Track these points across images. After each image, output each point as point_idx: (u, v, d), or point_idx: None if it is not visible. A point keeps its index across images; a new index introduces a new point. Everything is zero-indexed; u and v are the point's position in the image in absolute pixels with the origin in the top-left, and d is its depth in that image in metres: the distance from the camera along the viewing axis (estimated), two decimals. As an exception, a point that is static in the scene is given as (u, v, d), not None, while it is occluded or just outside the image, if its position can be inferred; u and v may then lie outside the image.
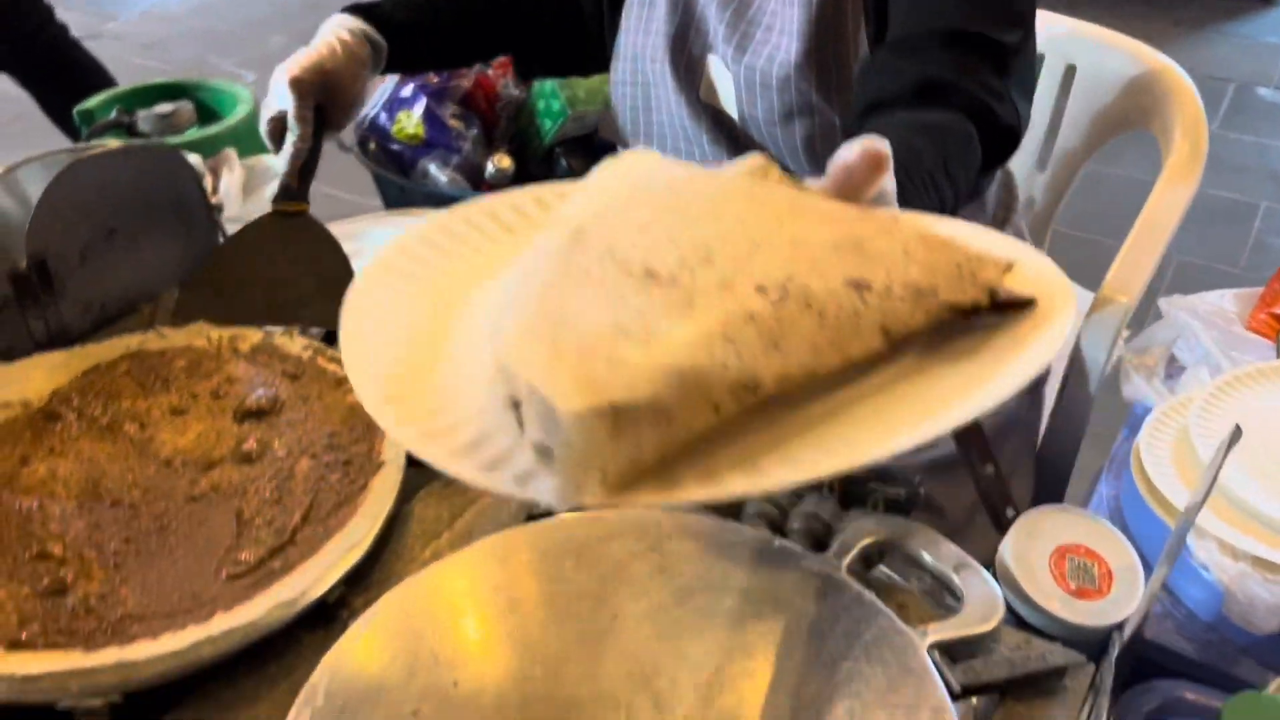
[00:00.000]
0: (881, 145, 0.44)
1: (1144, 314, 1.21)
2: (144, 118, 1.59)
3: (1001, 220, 1.06)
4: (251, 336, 0.93)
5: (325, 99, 0.97)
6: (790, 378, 0.37)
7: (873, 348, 0.39)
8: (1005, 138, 0.82)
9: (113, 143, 1.48)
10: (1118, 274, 1.09)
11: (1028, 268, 0.43)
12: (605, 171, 0.48)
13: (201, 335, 0.93)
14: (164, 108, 1.60)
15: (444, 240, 0.49)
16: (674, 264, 0.38)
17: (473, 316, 0.44)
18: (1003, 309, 0.42)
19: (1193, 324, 1.17)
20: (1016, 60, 0.84)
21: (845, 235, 0.40)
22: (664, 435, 0.34)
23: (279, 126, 0.97)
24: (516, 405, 0.37)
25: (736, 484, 0.34)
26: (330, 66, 0.96)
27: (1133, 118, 1.25)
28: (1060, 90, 1.30)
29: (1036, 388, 1.07)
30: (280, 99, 0.96)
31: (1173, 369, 1.17)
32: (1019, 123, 0.84)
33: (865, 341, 0.39)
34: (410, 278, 0.47)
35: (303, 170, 0.97)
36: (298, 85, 0.95)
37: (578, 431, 0.33)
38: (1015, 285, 0.42)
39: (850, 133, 0.63)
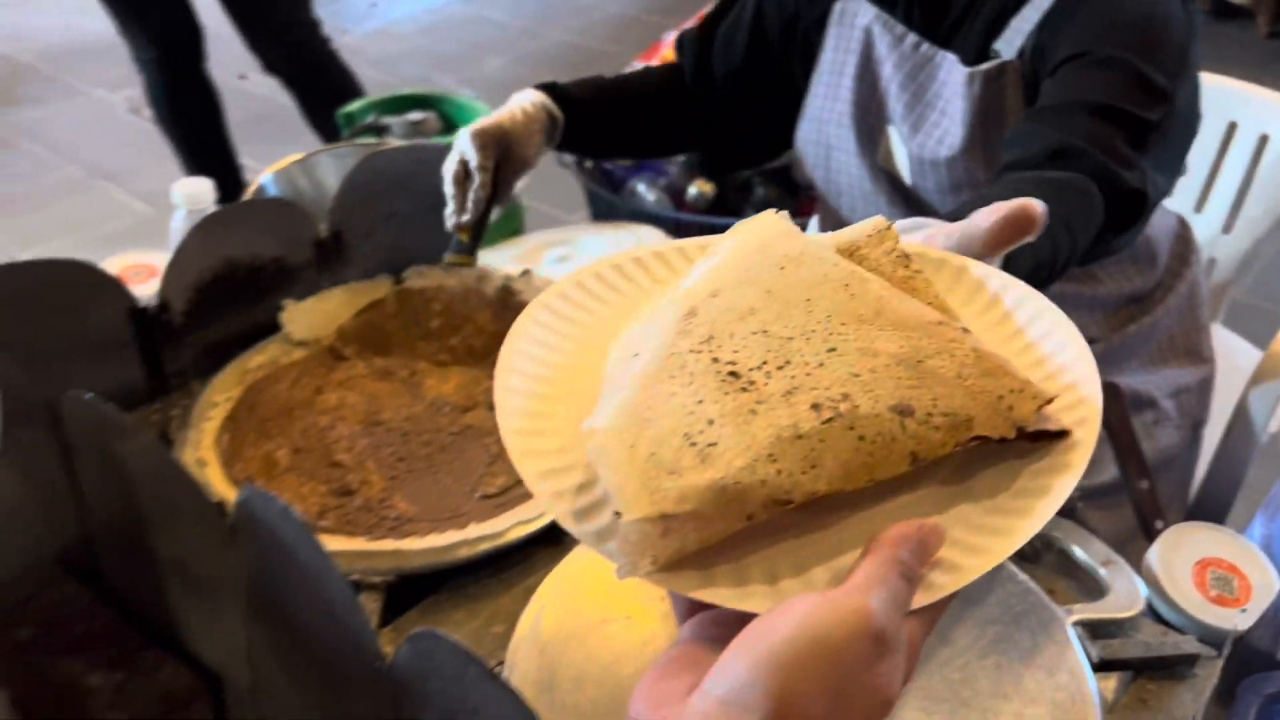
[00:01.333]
0: (1035, 206, 0.51)
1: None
2: (396, 123, 1.81)
3: (1175, 273, 1.13)
4: (494, 279, 1.10)
5: (501, 158, 1.09)
6: (818, 493, 0.42)
7: (898, 471, 0.43)
8: (1131, 201, 0.87)
9: (368, 141, 1.69)
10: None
11: (1077, 389, 0.47)
12: (736, 236, 0.55)
13: (454, 275, 1.11)
14: (414, 115, 1.81)
15: (598, 286, 0.55)
16: (755, 363, 0.45)
17: (604, 366, 0.50)
18: (1034, 438, 0.45)
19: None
20: (1154, 135, 0.89)
21: (910, 349, 0.46)
22: (704, 535, 0.42)
23: (463, 170, 1.08)
24: None
25: (756, 601, 0.41)
26: (509, 128, 1.08)
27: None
28: (1251, 161, 1.36)
29: (1196, 428, 1.14)
30: (464, 150, 1.08)
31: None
32: (1146, 187, 0.88)
33: (893, 466, 0.43)
34: (565, 319, 0.53)
35: (476, 228, 1.09)
36: (479, 137, 1.06)
37: (635, 530, 0.42)
38: (1055, 412, 0.46)
39: (984, 194, 0.73)
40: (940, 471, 0.45)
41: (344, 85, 2.32)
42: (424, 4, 4.55)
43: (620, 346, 0.50)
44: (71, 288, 0.95)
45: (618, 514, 0.42)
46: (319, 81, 2.32)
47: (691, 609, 0.44)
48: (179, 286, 1.00)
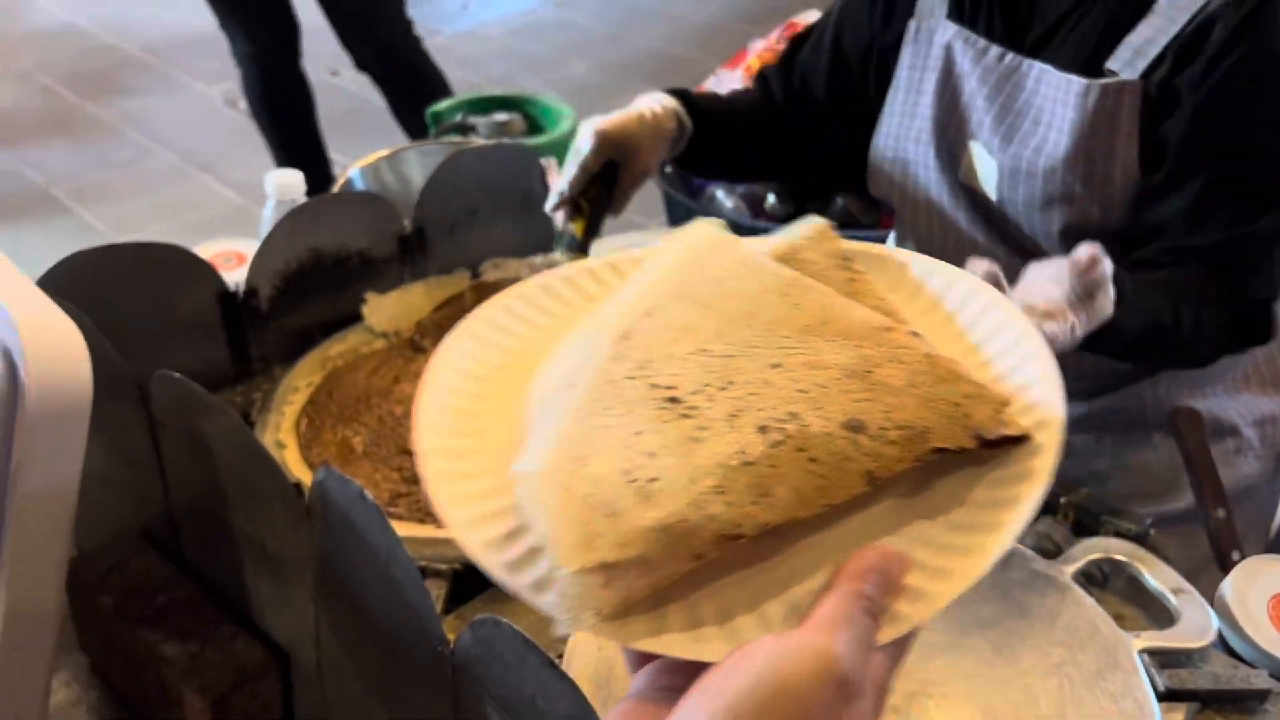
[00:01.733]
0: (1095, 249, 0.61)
1: None
2: (482, 123, 1.84)
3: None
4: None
5: (621, 159, 1.07)
6: (770, 525, 0.38)
7: (855, 492, 0.40)
8: (1259, 311, 0.95)
9: (454, 140, 1.73)
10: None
11: (1032, 389, 0.43)
12: (671, 247, 0.51)
13: (525, 265, 1.13)
14: (500, 116, 1.85)
15: (523, 307, 0.51)
16: (695, 386, 0.42)
17: (533, 393, 0.46)
18: (994, 444, 0.41)
19: None
20: None
21: (859, 360, 0.42)
22: (650, 580, 0.38)
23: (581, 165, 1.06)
24: None
25: (712, 647, 0.38)
26: (634, 131, 1.06)
27: None
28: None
29: (1278, 459, 1.10)
30: (579, 145, 1.06)
31: None
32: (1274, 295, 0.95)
33: (849, 488, 0.40)
34: (489, 345, 0.49)
35: (588, 227, 1.08)
36: (599, 136, 1.05)
37: (574, 583, 0.38)
38: (1011, 415, 0.42)
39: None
40: (897, 486, 0.42)
41: (433, 84, 2.37)
42: (514, 7, 4.61)
43: (549, 374, 0.46)
44: (166, 270, 0.98)
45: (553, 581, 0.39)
46: (408, 80, 2.37)
47: (642, 658, 0.41)
48: (267, 274, 1.04)
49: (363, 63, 2.40)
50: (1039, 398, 0.43)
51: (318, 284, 1.08)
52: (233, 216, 3.11)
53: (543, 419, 0.43)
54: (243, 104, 2.68)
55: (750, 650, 0.36)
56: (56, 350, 0.69)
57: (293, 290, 1.06)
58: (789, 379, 0.42)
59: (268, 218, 1.18)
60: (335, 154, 2.71)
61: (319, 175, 2.57)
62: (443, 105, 1.95)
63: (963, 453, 0.41)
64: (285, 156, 2.56)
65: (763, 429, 0.40)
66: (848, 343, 0.43)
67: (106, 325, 0.76)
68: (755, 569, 0.40)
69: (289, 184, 1.18)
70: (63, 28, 4.38)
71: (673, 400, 0.41)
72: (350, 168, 1.33)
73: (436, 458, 0.44)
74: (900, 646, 0.39)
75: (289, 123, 2.55)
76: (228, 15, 2.35)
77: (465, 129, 1.88)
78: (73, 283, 0.87)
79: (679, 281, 0.48)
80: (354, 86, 2.94)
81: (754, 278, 0.47)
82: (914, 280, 0.50)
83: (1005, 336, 0.46)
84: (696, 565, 0.39)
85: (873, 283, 0.49)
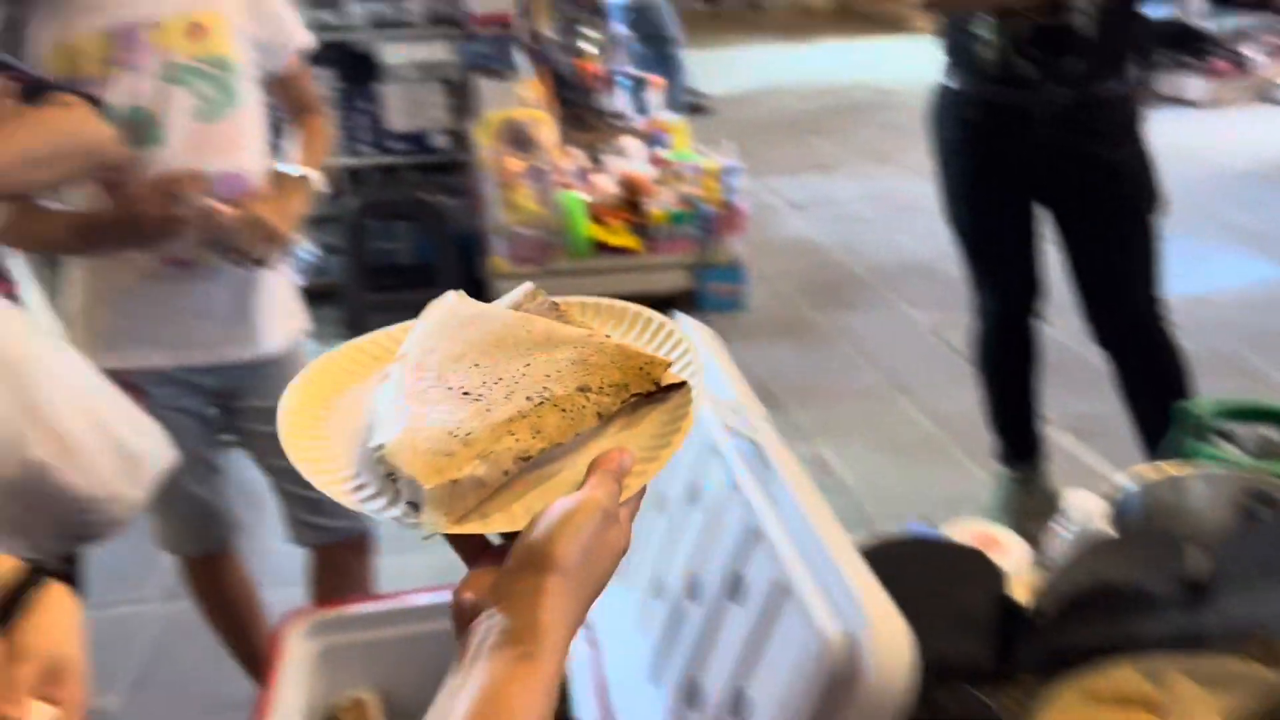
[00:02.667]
0: None
1: None
2: (1245, 434, 1.71)
3: None
4: None
5: None
6: (545, 450, 0.65)
7: (592, 426, 0.67)
8: None
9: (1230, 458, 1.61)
10: None
11: (687, 356, 0.73)
12: (428, 315, 0.77)
13: None
14: (1269, 431, 1.70)
15: (346, 358, 0.77)
16: (478, 384, 0.68)
17: (350, 410, 0.72)
18: (667, 390, 0.70)
19: None
20: None
21: (577, 354, 0.70)
22: (479, 492, 0.63)
23: None
24: (392, 477, 0.64)
25: (520, 520, 0.63)
26: None
27: None
28: None
29: None
30: None
31: None
32: None
33: (588, 423, 0.67)
34: (326, 374, 0.75)
35: None
36: None
37: (433, 494, 0.62)
38: (672, 377, 0.71)
39: None
40: (617, 420, 0.69)
41: (1174, 373, 2.28)
42: (1251, 275, 4.32)
43: (372, 396, 0.71)
44: (961, 565, 1.05)
45: (410, 504, 0.63)
46: (1149, 363, 2.31)
47: (476, 553, 0.64)
48: (1055, 596, 1.06)
49: (1105, 340, 2.38)
50: (688, 363, 0.73)
51: (1093, 610, 1.08)
52: (927, 442, 3.26)
53: (379, 422, 0.68)
54: (946, 334, 2.81)
55: (548, 508, 0.62)
56: (890, 642, 0.77)
57: (1072, 613, 1.07)
58: (538, 370, 0.69)
59: (1064, 538, 1.21)
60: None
61: (1026, 439, 2.59)
62: (1199, 406, 1.85)
63: (649, 396, 0.70)
64: (996, 409, 2.62)
65: (528, 398, 0.67)
66: (567, 346, 0.71)
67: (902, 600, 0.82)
68: (545, 484, 0.66)
69: (1090, 510, 1.20)
70: (805, 242, 5.03)
71: (465, 394, 0.68)
72: (1120, 476, 1.32)
73: (305, 466, 0.67)
74: (634, 502, 0.67)
75: (1006, 376, 2.62)
76: (981, 272, 2.50)
77: (1225, 435, 1.77)
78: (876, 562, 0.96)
79: (443, 329, 0.74)
80: (1063, 336, 2.95)
81: (496, 319, 0.74)
82: (615, 312, 0.79)
83: (669, 343, 0.75)
84: (507, 480, 0.64)
85: (573, 317, 0.76)
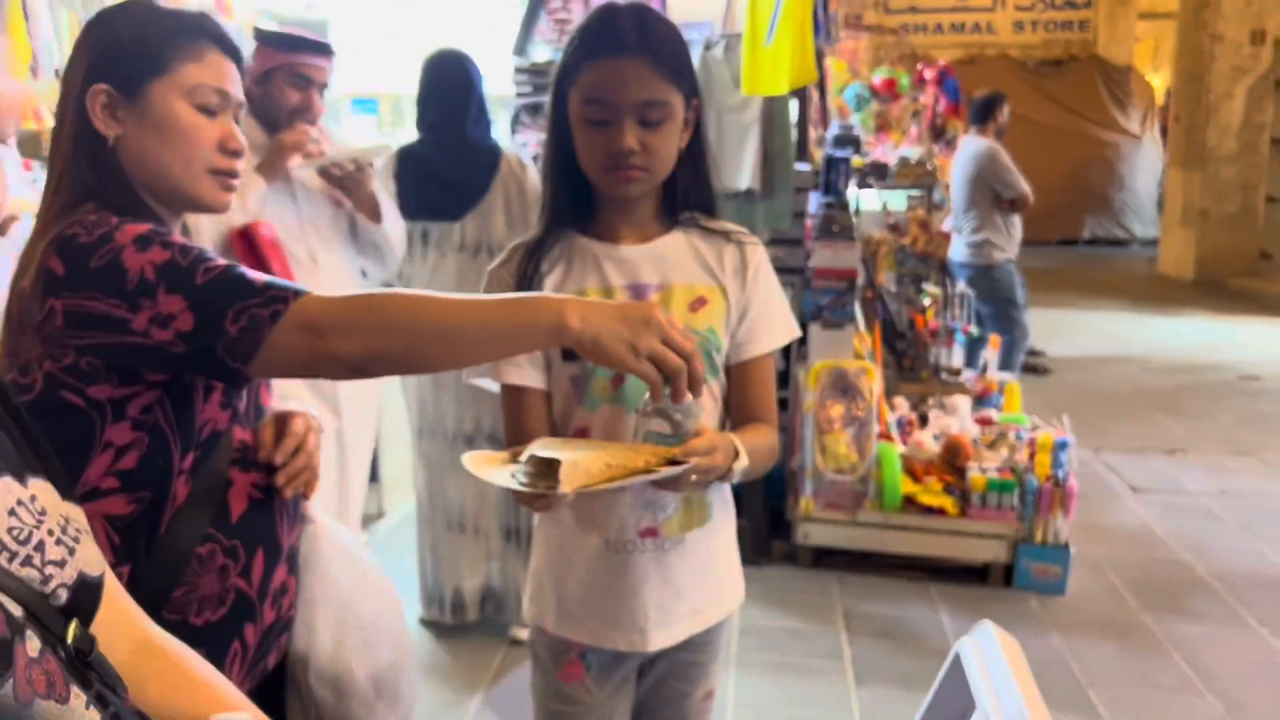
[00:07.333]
0: None
1: None
2: None
3: None
4: None
5: None
6: (622, 471, 1.33)
7: (642, 465, 1.37)
8: None
9: None
10: None
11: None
12: (559, 439, 1.60)
13: None
14: None
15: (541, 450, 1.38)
16: (599, 454, 1.35)
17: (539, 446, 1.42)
18: (670, 464, 1.39)
19: None
20: None
21: (632, 452, 1.42)
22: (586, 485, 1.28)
23: None
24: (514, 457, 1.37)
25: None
26: None
27: None
28: None
29: None
30: None
31: None
32: None
33: (643, 462, 1.36)
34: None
35: None
36: None
37: (569, 485, 1.26)
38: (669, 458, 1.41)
39: None
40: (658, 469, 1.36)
41: None
42: None
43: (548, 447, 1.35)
44: None
45: (550, 487, 1.26)
46: None
47: None
48: None
49: None
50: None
51: None
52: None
53: (556, 450, 1.32)
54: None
55: None
56: None
57: None
58: (616, 456, 1.33)
59: None
60: None
61: None
62: None
63: (666, 464, 1.34)
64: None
65: (608, 465, 1.30)
66: (627, 451, 1.36)
67: None
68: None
69: None
70: (1143, 532, 4.58)
71: (594, 450, 1.34)
72: None
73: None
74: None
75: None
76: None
77: None
78: None
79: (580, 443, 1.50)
80: None
81: (596, 448, 1.39)
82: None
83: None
84: (603, 481, 1.29)
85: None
